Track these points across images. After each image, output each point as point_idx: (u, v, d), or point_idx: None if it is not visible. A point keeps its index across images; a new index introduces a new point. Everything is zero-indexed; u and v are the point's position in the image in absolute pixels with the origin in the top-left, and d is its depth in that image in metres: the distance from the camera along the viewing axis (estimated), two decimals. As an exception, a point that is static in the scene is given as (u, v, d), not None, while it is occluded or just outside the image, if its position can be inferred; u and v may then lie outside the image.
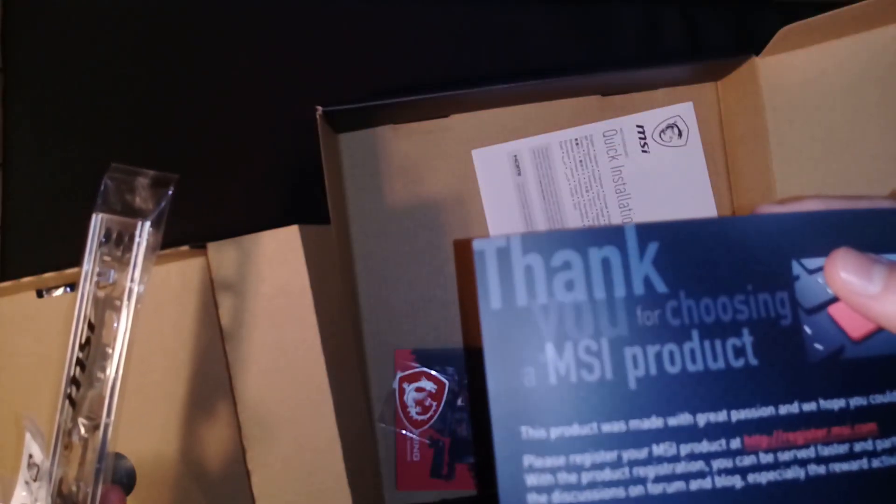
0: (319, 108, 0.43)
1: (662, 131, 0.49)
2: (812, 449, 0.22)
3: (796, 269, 0.23)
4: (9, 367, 0.44)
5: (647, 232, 0.23)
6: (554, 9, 0.52)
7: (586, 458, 0.22)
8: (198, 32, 0.54)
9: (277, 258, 0.39)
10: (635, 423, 0.22)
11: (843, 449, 0.22)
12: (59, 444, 0.32)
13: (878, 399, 0.22)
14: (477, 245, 0.23)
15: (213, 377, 0.42)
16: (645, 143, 0.50)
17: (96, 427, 0.31)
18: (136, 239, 0.32)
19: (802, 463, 0.22)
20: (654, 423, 0.22)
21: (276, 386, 0.39)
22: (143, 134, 0.53)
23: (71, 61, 0.54)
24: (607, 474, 0.22)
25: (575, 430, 0.22)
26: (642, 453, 0.22)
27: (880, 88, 0.43)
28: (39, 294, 0.44)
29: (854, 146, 0.43)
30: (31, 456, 0.33)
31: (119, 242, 0.32)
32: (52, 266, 0.42)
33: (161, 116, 0.53)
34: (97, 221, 0.32)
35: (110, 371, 0.31)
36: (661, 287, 0.23)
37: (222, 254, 0.40)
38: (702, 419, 0.22)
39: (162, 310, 0.43)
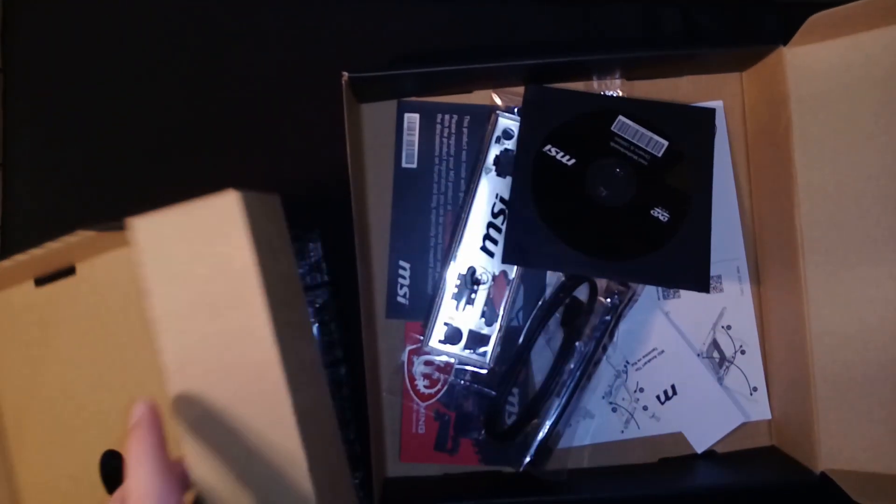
0: (346, 74, 0.43)
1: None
2: None
3: None
4: (7, 359, 0.43)
5: None
6: (554, 9, 0.52)
7: None
8: (197, 28, 0.53)
9: (214, 232, 0.32)
10: None
11: None
12: None
13: None
14: None
15: (145, 383, 0.35)
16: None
17: None
18: None
19: None
20: None
21: (222, 388, 0.32)
22: (142, 134, 0.53)
23: (71, 61, 0.53)
24: None
25: None
26: None
27: (906, 83, 0.43)
28: (38, 283, 0.42)
29: (877, 140, 0.43)
30: None
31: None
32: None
33: (161, 115, 0.53)
34: None
35: None
36: None
37: (148, 230, 0.32)
38: None
39: (94, 306, 0.38)
